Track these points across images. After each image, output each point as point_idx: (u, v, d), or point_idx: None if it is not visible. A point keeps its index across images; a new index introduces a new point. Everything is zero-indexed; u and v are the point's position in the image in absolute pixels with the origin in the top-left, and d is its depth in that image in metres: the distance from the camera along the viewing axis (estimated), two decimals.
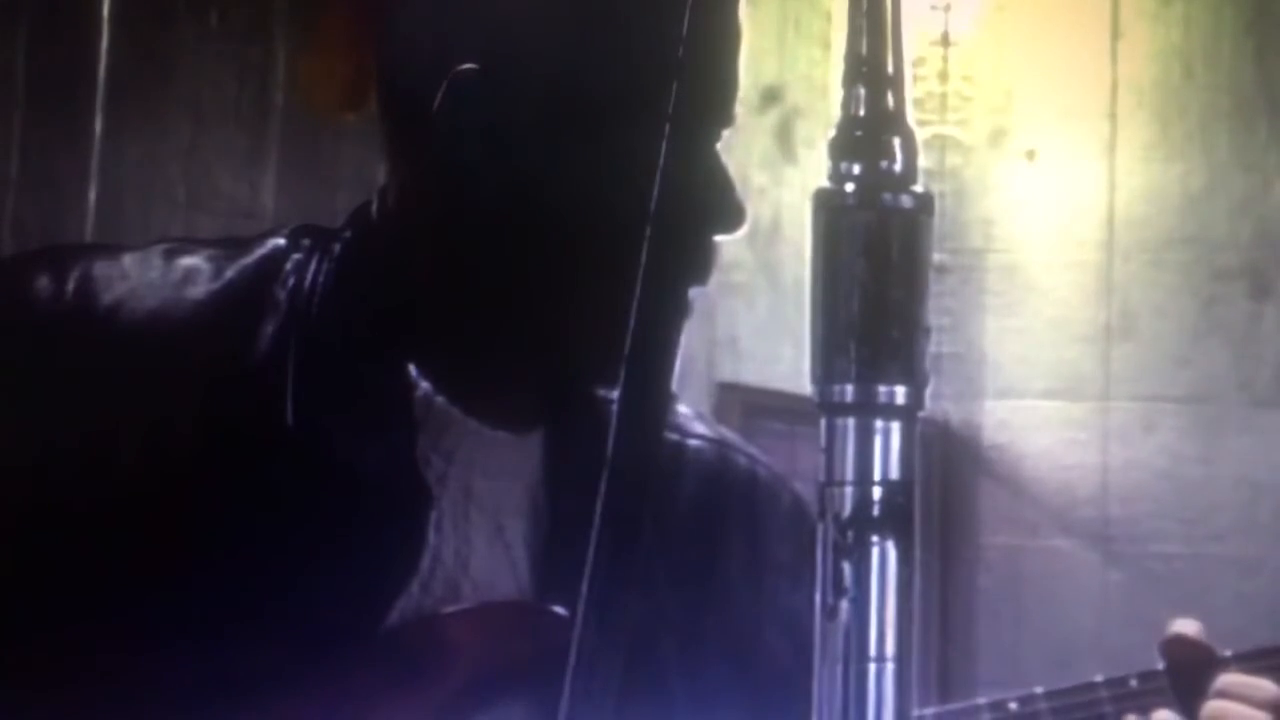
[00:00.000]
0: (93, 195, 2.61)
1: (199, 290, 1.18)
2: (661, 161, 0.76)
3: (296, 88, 2.75)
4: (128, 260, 1.19)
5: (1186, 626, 1.35)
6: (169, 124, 2.73)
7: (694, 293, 1.15)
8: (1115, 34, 4.03)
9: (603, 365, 1.10)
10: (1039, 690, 1.36)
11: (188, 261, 1.19)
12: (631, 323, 0.76)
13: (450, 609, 1.17)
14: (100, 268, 1.18)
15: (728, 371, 3.63)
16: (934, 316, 0.73)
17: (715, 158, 1.17)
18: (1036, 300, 4.06)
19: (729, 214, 1.16)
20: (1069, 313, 4.03)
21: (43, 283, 1.16)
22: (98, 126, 2.63)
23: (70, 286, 1.16)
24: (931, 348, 0.72)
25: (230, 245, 1.22)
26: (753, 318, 3.69)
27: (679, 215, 1.13)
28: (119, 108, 2.64)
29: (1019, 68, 4.08)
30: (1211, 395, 3.95)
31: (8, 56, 2.53)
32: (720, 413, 3.37)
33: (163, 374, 1.15)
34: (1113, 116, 4.02)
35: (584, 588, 0.72)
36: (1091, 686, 1.36)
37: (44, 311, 1.16)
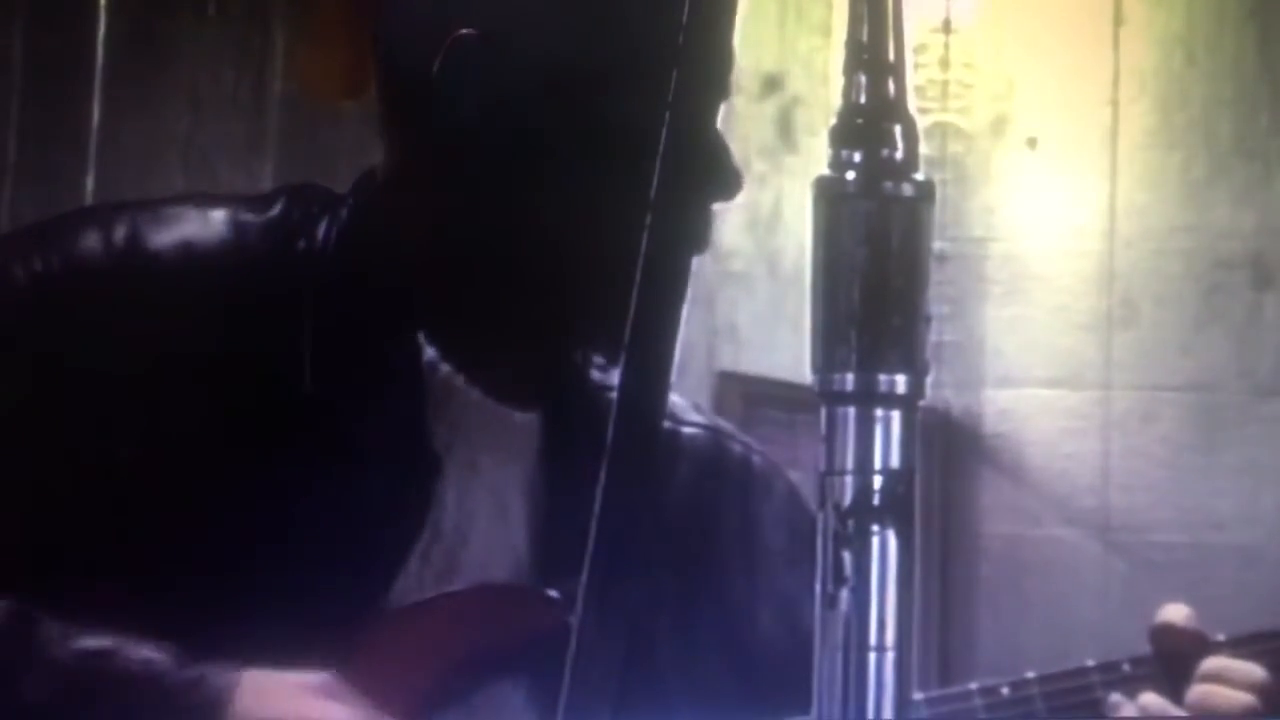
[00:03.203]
0: (90, 183, 2.61)
1: (230, 247, 1.19)
2: (665, 133, 0.76)
3: (294, 75, 2.74)
4: (169, 213, 1.20)
5: (1175, 614, 1.34)
6: (166, 112, 2.72)
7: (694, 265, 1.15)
8: (1117, 21, 4.02)
9: (602, 333, 1.10)
10: (1031, 675, 1.35)
11: (219, 214, 1.21)
12: (633, 305, 0.75)
13: (448, 590, 1.17)
14: (144, 221, 1.19)
15: (727, 360, 3.62)
16: (935, 305, 0.73)
17: (712, 127, 1.18)
18: (1037, 288, 4.06)
19: (726, 180, 1.16)
20: (1070, 301, 4.03)
21: (93, 238, 1.18)
22: (95, 114, 2.62)
23: (119, 239, 1.17)
24: (932, 336, 0.72)
25: (249, 202, 1.23)
26: (753, 306, 3.68)
27: (676, 183, 1.13)
28: (116, 95, 2.64)
29: (1021, 55, 4.08)
30: (1213, 384, 3.94)
31: (6, 44, 2.53)
32: (720, 401, 3.36)
33: (192, 324, 1.16)
34: (1114, 104, 4.02)
35: (584, 575, 0.72)
36: (1083, 671, 1.35)
37: (98, 265, 1.17)
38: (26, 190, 2.54)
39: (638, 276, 0.74)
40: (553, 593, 1.15)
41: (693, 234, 1.16)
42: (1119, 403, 4.00)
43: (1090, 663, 1.35)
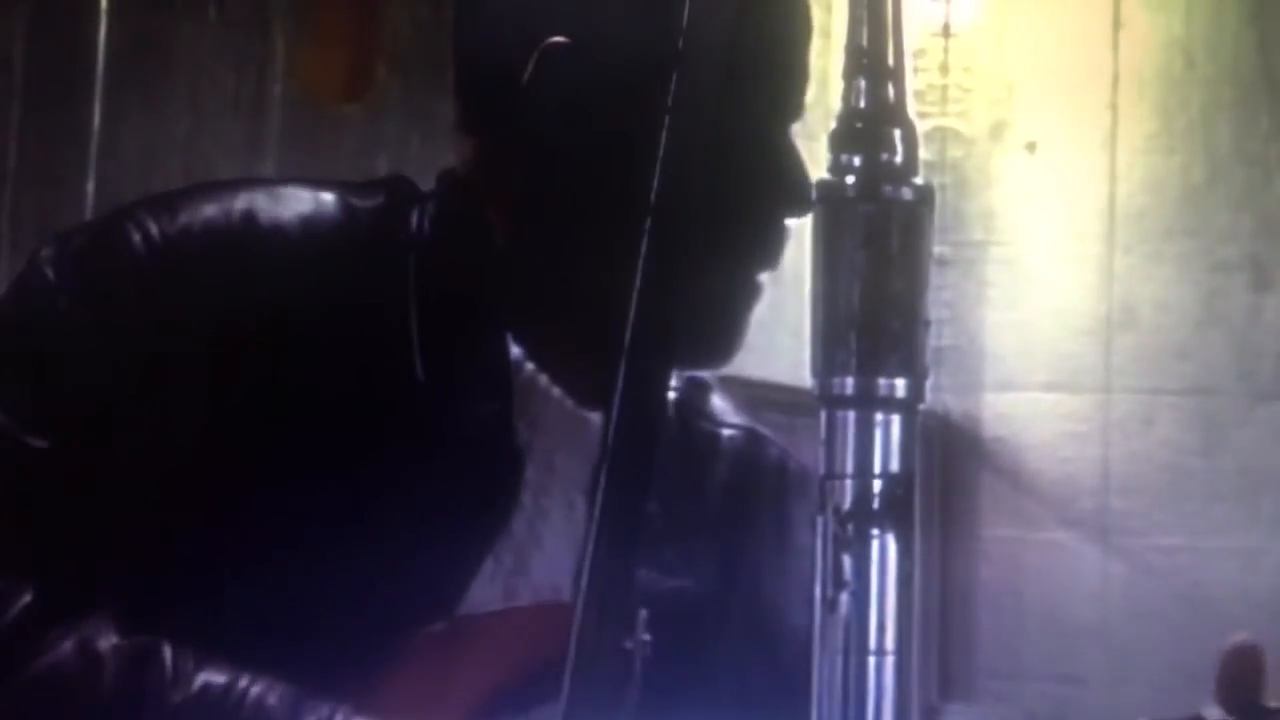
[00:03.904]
0: (91, 187, 2.61)
1: (344, 228, 1.20)
2: (663, 140, 0.76)
3: (295, 78, 2.74)
4: (284, 191, 1.21)
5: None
6: (167, 115, 2.72)
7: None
8: (1116, 25, 4.02)
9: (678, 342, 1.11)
10: None
11: (330, 197, 1.21)
12: (631, 311, 0.75)
13: (505, 606, 1.18)
14: (260, 196, 1.20)
15: None
16: (934, 309, 0.73)
17: (786, 142, 1.20)
18: (1037, 292, 4.06)
19: (799, 196, 1.18)
20: (1070, 305, 4.03)
21: (211, 208, 1.18)
22: (96, 118, 2.62)
23: (237, 211, 1.18)
24: (932, 340, 0.72)
25: (353, 189, 1.23)
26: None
27: (748, 197, 1.15)
28: (117, 99, 2.64)
29: (1020, 59, 4.08)
30: (1212, 388, 3.94)
31: (6, 47, 2.53)
32: None
33: (309, 299, 1.17)
34: (1114, 108, 4.02)
35: (584, 579, 0.72)
36: None
37: (216, 235, 1.17)
38: (27, 193, 2.54)
39: (637, 281, 0.74)
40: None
41: (763, 248, 1.18)
42: (1118, 406, 4.00)
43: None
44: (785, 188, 1.19)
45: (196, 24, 2.74)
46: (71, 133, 2.60)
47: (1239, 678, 1.28)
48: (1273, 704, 1.30)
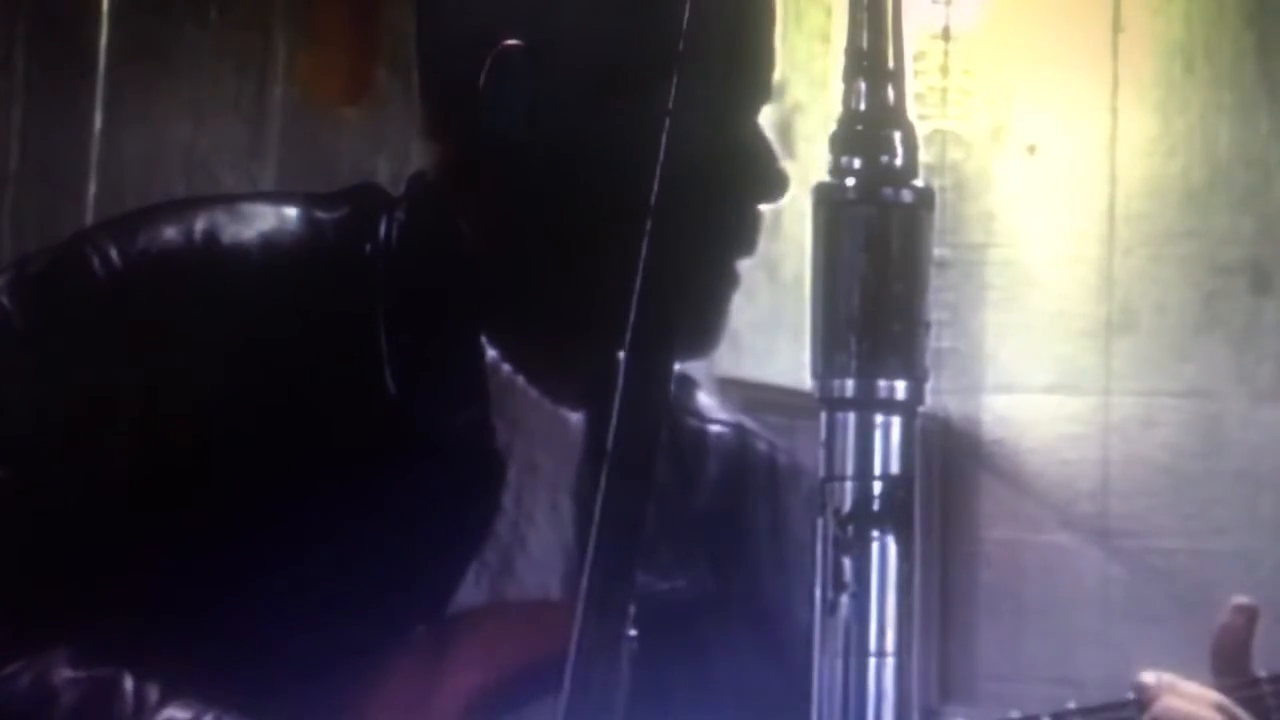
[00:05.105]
0: (92, 189, 2.61)
1: (307, 244, 1.19)
2: (664, 137, 0.76)
3: (296, 82, 2.74)
4: (246, 209, 1.20)
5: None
6: (168, 118, 2.72)
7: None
8: (1116, 28, 4.02)
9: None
10: (1072, 705, 1.34)
11: (293, 212, 1.20)
12: (633, 312, 0.75)
13: (490, 604, 1.17)
14: (222, 216, 1.18)
15: (728, 366, 3.62)
16: (934, 311, 0.73)
17: (755, 129, 1.21)
18: (1037, 295, 4.06)
19: (770, 182, 1.18)
20: (1070, 307, 4.03)
21: (171, 231, 1.17)
22: (97, 120, 2.62)
23: (198, 233, 1.16)
24: (932, 342, 0.72)
25: (318, 201, 1.23)
26: (753, 312, 3.68)
27: (720, 185, 1.15)
28: (118, 102, 2.64)
29: (1020, 62, 4.08)
30: (1212, 390, 3.94)
31: (7, 50, 2.53)
32: None
33: (273, 320, 1.15)
34: (1114, 111, 4.02)
35: (584, 580, 0.72)
36: (1123, 705, 1.34)
37: (177, 259, 1.16)
38: (28, 196, 2.54)
39: (638, 283, 0.75)
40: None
41: (738, 236, 1.18)
42: (1118, 409, 4.00)
43: (1130, 695, 1.34)
44: (757, 174, 1.19)
45: (197, 26, 2.75)
46: (72, 135, 2.60)
47: (1235, 640, 1.29)
48: (1261, 673, 1.31)
